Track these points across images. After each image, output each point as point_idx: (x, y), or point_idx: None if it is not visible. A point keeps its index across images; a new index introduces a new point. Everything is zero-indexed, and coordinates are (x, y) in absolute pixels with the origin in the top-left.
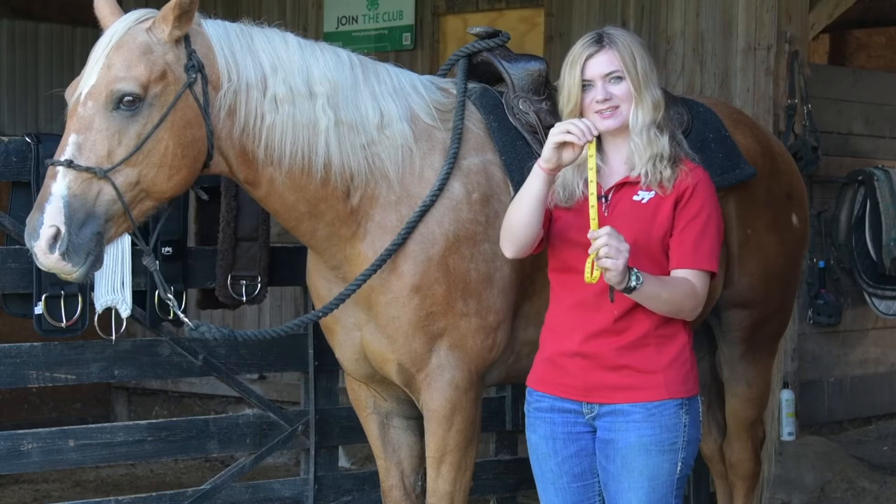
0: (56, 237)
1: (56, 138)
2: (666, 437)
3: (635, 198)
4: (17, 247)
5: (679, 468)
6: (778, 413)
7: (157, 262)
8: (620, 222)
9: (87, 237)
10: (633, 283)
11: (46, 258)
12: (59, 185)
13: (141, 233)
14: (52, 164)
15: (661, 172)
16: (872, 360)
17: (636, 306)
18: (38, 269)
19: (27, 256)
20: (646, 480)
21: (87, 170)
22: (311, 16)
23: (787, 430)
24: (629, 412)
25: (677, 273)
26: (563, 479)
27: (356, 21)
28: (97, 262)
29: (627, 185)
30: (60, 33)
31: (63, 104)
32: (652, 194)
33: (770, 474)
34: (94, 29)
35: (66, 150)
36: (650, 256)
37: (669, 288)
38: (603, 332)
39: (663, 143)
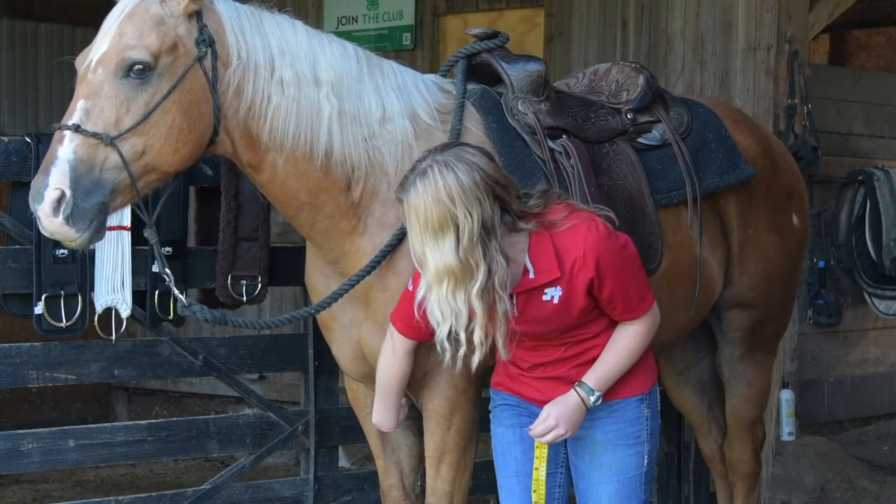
0: (60, 200)
1: None
2: (630, 431)
3: (544, 297)
4: (17, 247)
5: (645, 461)
6: (777, 413)
7: (158, 235)
8: (535, 323)
9: (92, 205)
10: (594, 404)
11: (50, 222)
12: (66, 149)
13: (144, 205)
14: (59, 129)
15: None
16: (872, 360)
17: (581, 334)
18: (39, 269)
19: (27, 256)
20: (614, 475)
21: (94, 135)
22: (311, 16)
23: (787, 430)
24: (593, 411)
25: (623, 325)
26: (528, 466)
27: (356, 21)
28: (100, 230)
29: (531, 289)
30: (60, 33)
31: (63, 105)
32: (559, 291)
33: (768, 474)
34: (94, 29)
35: (74, 114)
36: (573, 329)
37: (620, 357)
38: (558, 361)
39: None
